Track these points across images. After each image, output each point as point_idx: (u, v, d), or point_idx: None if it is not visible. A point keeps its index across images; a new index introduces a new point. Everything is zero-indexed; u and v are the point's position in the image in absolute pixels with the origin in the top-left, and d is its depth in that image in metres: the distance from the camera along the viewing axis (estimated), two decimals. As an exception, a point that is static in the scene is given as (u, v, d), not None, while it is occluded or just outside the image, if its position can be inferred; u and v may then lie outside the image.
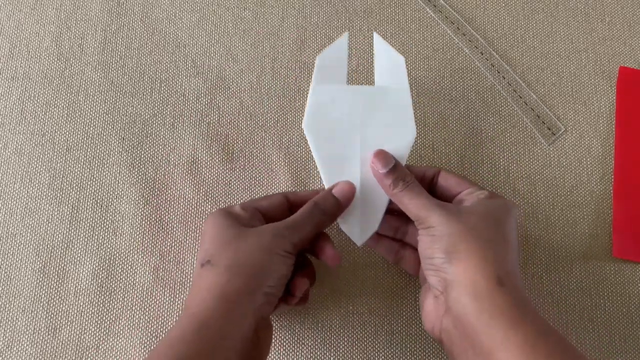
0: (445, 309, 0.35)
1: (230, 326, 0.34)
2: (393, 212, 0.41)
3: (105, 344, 0.43)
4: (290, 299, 0.39)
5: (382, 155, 0.40)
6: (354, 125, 0.42)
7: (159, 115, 0.49)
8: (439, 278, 0.35)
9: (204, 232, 0.38)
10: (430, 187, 0.41)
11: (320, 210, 0.38)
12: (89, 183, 0.47)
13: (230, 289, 0.34)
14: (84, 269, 0.45)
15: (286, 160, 0.47)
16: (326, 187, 0.41)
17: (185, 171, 0.47)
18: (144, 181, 0.47)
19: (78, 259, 0.45)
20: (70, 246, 0.45)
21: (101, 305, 0.44)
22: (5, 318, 0.43)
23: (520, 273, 0.36)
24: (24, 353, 0.43)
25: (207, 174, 0.47)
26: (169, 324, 0.43)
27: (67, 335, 0.43)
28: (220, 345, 0.33)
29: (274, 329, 0.43)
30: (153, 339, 0.43)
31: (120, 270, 0.45)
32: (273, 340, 0.43)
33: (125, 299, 0.44)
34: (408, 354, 0.43)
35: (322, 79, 0.42)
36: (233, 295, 0.34)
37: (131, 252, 0.45)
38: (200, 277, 0.36)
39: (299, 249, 0.37)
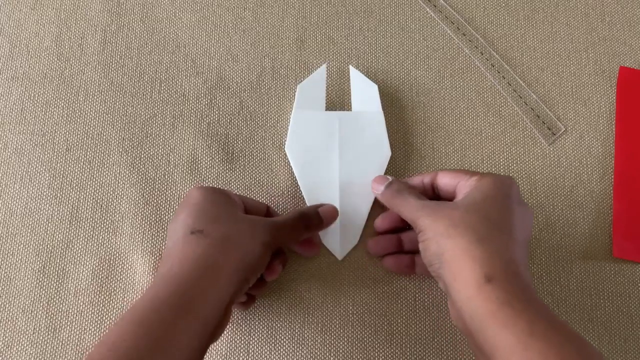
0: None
1: (212, 296, 0.34)
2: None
3: (105, 344, 0.43)
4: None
5: (379, 178, 0.42)
6: (333, 147, 0.46)
7: (159, 115, 0.49)
8: (441, 283, 0.36)
9: (193, 201, 0.38)
10: (434, 193, 0.41)
11: (304, 224, 0.40)
12: (89, 183, 0.47)
13: (220, 262, 0.35)
14: (84, 269, 0.45)
15: (286, 160, 0.47)
16: (307, 204, 0.44)
17: (185, 171, 0.47)
18: (144, 181, 0.47)
19: (78, 259, 0.45)
20: (70, 246, 0.45)
21: (101, 305, 0.44)
22: (5, 318, 0.43)
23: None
24: (24, 353, 0.43)
25: (207, 174, 0.47)
26: (169, 324, 0.43)
27: (67, 335, 0.43)
28: (199, 312, 0.33)
29: (273, 329, 0.43)
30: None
31: (120, 270, 0.45)
32: (273, 340, 0.43)
33: (125, 299, 0.44)
34: (408, 354, 0.43)
35: (302, 105, 0.47)
36: (220, 268, 0.34)
37: (131, 252, 0.45)
38: (187, 243, 0.36)
39: (275, 248, 0.38)
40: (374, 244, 0.43)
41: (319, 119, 0.47)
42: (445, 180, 0.39)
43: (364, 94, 0.47)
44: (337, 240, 0.44)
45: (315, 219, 0.41)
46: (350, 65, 0.49)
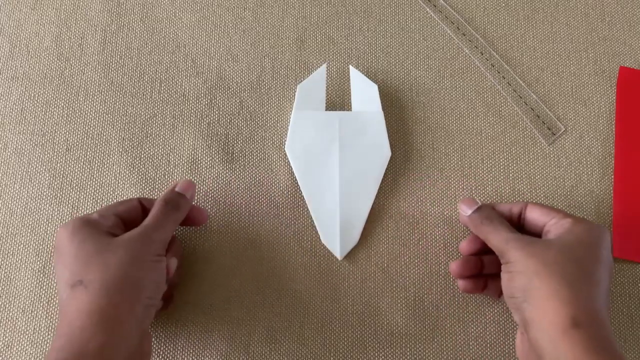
0: (529, 346, 0.35)
1: (115, 349, 0.32)
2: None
3: (105, 344, 0.43)
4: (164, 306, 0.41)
5: (468, 200, 0.41)
6: (333, 147, 0.46)
7: (159, 115, 0.49)
8: (520, 316, 0.36)
9: (62, 246, 0.36)
10: (519, 222, 0.41)
11: (172, 207, 0.39)
12: (89, 183, 0.47)
13: (111, 309, 0.33)
14: (84, 269, 0.45)
15: (286, 160, 0.47)
16: (308, 204, 0.45)
17: (185, 171, 0.47)
18: (144, 181, 0.47)
19: (78, 259, 0.45)
20: (70, 246, 0.45)
21: (101, 305, 0.44)
22: (5, 318, 0.43)
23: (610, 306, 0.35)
24: (24, 353, 0.43)
25: (207, 174, 0.47)
26: (168, 323, 0.43)
27: (67, 335, 0.43)
28: None
29: (273, 329, 0.43)
30: (152, 339, 0.43)
31: (120, 270, 0.44)
32: (274, 341, 0.43)
33: (125, 299, 0.44)
34: (408, 354, 0.43)
35: (302, 105, 0.47)
36: (114, 315, 0.33)
37: (131, 252, 0.45)
38: (72, 299, 0.34)
39: (164, 248, 0.38)
40: (458, 268, 0.41)
41: (319, 119, 0.47)
42: (534, 215, 0.39)
43: (364, 94, 0.48)
44: (337, 240, 0.44)
45: (178, 198, 0.40)
46: (350, 65, 0.49)
